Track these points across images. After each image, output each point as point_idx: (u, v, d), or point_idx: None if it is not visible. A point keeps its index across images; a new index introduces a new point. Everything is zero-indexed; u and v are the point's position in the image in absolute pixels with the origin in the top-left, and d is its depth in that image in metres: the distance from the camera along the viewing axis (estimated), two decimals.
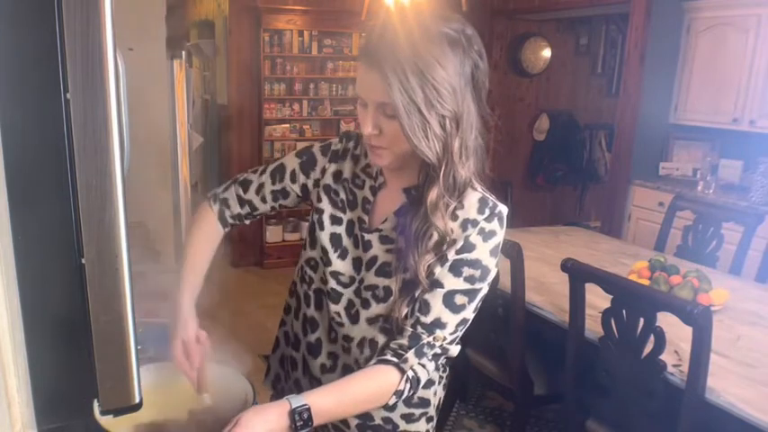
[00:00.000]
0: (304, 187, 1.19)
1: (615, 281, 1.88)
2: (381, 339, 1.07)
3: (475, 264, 1.01)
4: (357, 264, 1.09)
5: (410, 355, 1.00)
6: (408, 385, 1.00)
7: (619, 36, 5.79)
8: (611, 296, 1.84)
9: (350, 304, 1.10)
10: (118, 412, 0.74)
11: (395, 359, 1.00)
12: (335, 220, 1.13)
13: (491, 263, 1.02)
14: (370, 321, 1.08)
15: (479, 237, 1.01)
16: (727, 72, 3.99)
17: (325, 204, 1.14)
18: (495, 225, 1.02)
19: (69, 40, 0.62)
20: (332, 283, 1.11)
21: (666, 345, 1.71)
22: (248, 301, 4.29)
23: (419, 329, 1.00)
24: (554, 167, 5.92)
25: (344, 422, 1.16)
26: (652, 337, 1.74)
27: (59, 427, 0.80)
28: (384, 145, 1.00)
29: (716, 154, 4.41)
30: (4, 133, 0.68)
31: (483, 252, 1.01)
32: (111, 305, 0.69)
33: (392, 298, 1.03)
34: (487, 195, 1.04)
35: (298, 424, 0.90)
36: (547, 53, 5.79)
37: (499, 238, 1.02)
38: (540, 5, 5.15)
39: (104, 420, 0.86)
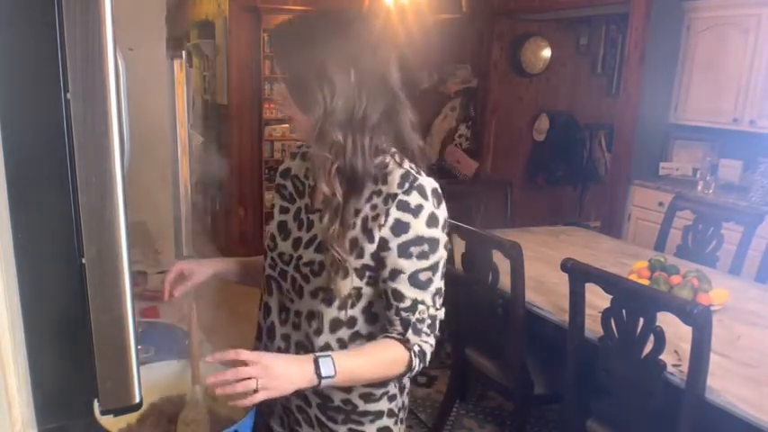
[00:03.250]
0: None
1: (615, 281, 1.88)
2: (324, 310, 1.14)
3: (418, 241, 1.07)
4: (296, 243, 1.18)
5: (410, 335, 1.07)
6: (417, 359, 1.07)
7: (619, 36, 5.79)
8: (611, 296, 1.84)
9: (293, 280, 1.17)
10: (118, 412, 0.74)
11: (398, 338, 1.07)
12: (283, 210, 1.24)
13: (434, 233, 1.08)
14: (313, 295, 1.14)
15: (407, 214, 1.07)
16: (727, 72, 3.98)
17: (276, 199, 1.27)
18: (416, 197, 1.07)
19: (69, 40, 0.62)
20: (280, 264, 1.20)
21: (666, 345, 1.71)
22: (248, 300, 4.29)
23: (403, 315, 1.08)
24: (554, 167, 5.92)
25: (307, 402, 1.21)
26: (652, 337, 1.73)
27: (59, 426, 0.80)
28: (290, 115, 1.10)
29: (716, 154, 4.41)
30: (4, 133, 0.68)
31: (418, 227, 1.07)
32: (111, 305, 0.69)
33: (325, 271, 1.10)
34: (412, 171, 1.09)
35: (323, 375, 0.98)
36: (547, 53, 5.79)
37: (429, 208, 1.07)
38: (540, 5, 5.15)
39: (104, 420, 0.86)
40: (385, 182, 1.09)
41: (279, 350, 1.22)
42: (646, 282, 2.32)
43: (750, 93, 3.86)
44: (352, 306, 1.14)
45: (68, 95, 0.64)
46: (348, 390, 1.17)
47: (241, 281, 1.39)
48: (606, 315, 1.86)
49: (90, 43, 0.63)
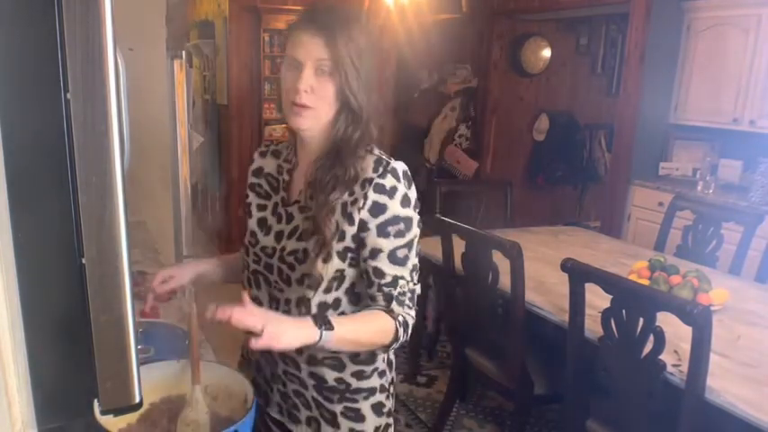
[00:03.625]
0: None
1: (615, 281, 1.88)
2: (311, 294, 1.19)
3: (394, 220, 1.15)
4: (279, 236, 1.23)
5: (394, 307, 1.15)
6: (402, 329, 1.14)
7: (619, 36, 5.79)
8: (611, 296, 1.84)
9: (279, 271, 1.22)
10: (118, 412, 0.74)
11: (383, 308, 1.15)
12: (261, 208, 1.29)
13: (408, 212, 1.16)
14: (299, 281, 1.19)
15: (383, 196, 1.14)
16: (727, 72, 3.98)
17: (252, 198, 1.31)
18: (390, 180, 1.14)
19: (69, 40, 0.62)
20: (264, 258, 1.25)
21: (666, 345, 1.71)
22: None
23: (385, 290, 1.16)
24: (554, 167, 5.92)
25: (304, 385, 1.26)
26: (652, 337, 1.73)
27: (59, 426, 0.80)
28: (311, 104, 1.13)
29: (716, 154, 4.41)
30: (4, 133, 0.68)
31: (394, 207, 1.15)
32: (111, 305, 0.69)
33: (309, 258, 1.17)
34: (383, 157, 1.18)
35: (323, 325, 1.05)
36: (547, 53, 5.79)
37: (403, 189, 1.15)
38: (540, 5, 5.15)
39: (104, 420, 0.86)
40: (361, 167, 1.16)
41: None
42: (646, 282, 2.32)
43: (750, 93, 3.86)
44: (337, 288, 1.20)
45: (68, 95, 0.64)
46: (340, 369, 1.24)
47: (224, 280, 1.42)
48: (606, 315, 1.86)
49: (90, 43, 0.62)
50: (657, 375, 1.74)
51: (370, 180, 1.14)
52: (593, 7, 4.92)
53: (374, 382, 1.27)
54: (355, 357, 1.24)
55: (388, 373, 1.31)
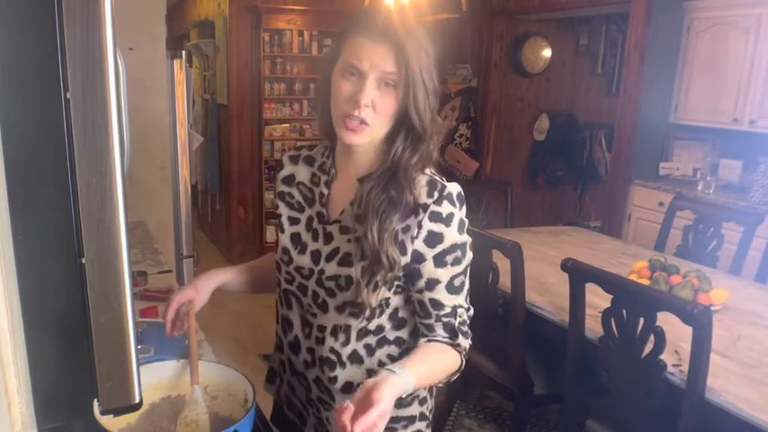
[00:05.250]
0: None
1: (615, 281, 1.88)
2: (353, 323, 1.12)
3: (452, 249, 1.07)
4: (316, 256, 1.14)
5: (460, 340, 1.10)
6: (464, 359, 1.12)
7: (619, 36, 5.79)
8: (612, 296, 1.84)
9: (315, 295, 1.14)
10: (118, 412, 0.74)
11: (449, 341, 1.10)
12: (293, 221, 1.18)
13: (464, 238, 1.09)
14: (339, 309, 1.11)
15: (440, 224, 1.05)
16: (727, 72, 3.98)
17: (282, 209, 1.21)
18: (447, 206, 1.06)
19: (69, 40, 0.62)
20: (298, 279, 1.16)
21: (666, 345, 1.71)
22: (248, 300, 4.29)
23: (444, 320, 1.09)
24: (554, 167, 5.92)
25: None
26: (652, 337, 1.73)
27: (59, 426, 0.80)
28: (371, 121, 1.03)
29: (716, 154, 4.41)
30: (4, 133, 0.68)
31: (451, 235, 1.06)
32: (110, 305, 0.69)
33: (353, 285, 1.08)
34: (436, 178, 1.09)
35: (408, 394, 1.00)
36: (547, 53, 5.79)
37: (458, 215, 1.07)
38: (540, 5, 5.15)
39: (104, 420, 0.86)
40: (414, 187, 1.06)
41: (305, 363, 1.20)
42: (646, 282, 2.32)
43: (750, 93, 3.86)
44: (380, 315, 1.12)
45: (68, 95, 0.64)
46: None
47: (245, 290, 1.34)
48: (606, 315, 1.86)
49: (90, 43, 0.62)
50: (658, 375, 1.74)
51: (425, 206, 1.05)
52: (593, 7, 4.92)
53: (414, 410, 1.20)
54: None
55: (428, 399, 1.24)
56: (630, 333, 1.79)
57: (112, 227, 0.67)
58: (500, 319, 2.34)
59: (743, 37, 3.87)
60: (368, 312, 1.10)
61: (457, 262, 1.08)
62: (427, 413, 1.24)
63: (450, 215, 1.06)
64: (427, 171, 1.09)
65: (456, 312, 1.10)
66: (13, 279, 0.71)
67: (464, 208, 1.09)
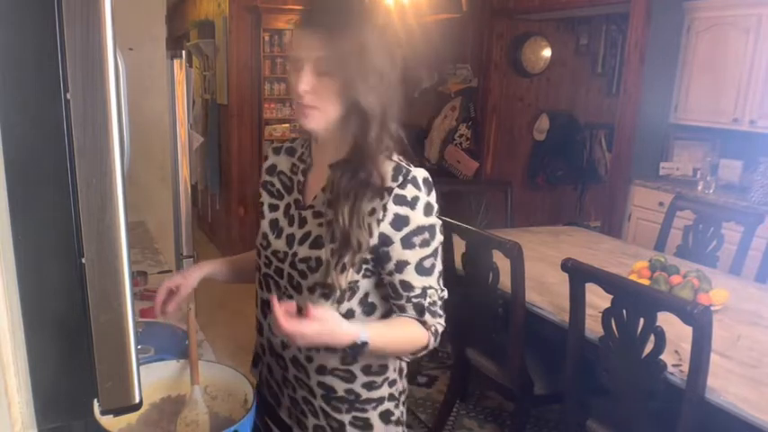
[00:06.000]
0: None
1: (615, 281, 1.88)
2: (324, 305, 1.15)
3: (418, 231, 1.11)
4: (290, 240, 1.19)
5: (427, 318, 1.13)
6: (433, 338, 1.14)
7: (619, 36, 5.79)
8: (612, 296, 1.84)
9: (290, 277, 1.19)
10: (118, 412, 0.74)
11: (416, 317, 1.13)
12: (273, 208, 1.25)
13: (431, 221, 1.12)
14: (311, 290, 1.16)
15: (404, 208, 1.09)
16: (727, 72, 3.98)
17: (265, 197, 1.28)
18: (411, 190, 1.10)
19: (69, 40, 0.62)
20: (275, 262, 1.21)
21: (666, 345, 1.71)
22: (247, 300, 4.29)
23: (414, 301, 1.13)
24: (554, 167, 5.92)
25: (312, 394, 1.23)
26: (652, 337, 1.73)
27: (59, 426, 0.80)
28: (315, 104, 1.08)
29: (716, 154, 4.41)
30: (4, 133, 0.68)
31: (416, 217, 1.10)
32: (110, 305, 0.69)
33: (323, 267, 1.12)
34: (402, 164, 1.12)
35: (352, 349, 1.05)
36: (547, 53, 5.79)
37: (424, 198, 1.11)
38: (540, 5, 5.15)
39: (104, 420, 0.86)
40: (377, 171, 1.10)
41: (282, 344, 1.25)
42: (646, 282, 2.32)
43: (750, 93, 3.86)
44: (350, 299, 1.16)
45: (68, 95, 0.64)
46: (350, 380, 1.21)
47: (231, 280, 1.40)
48: (606, 315, 1.86)
49: (90, 43, 0.62)
50: (658, 375, 1.74)
51: (390, 190, 1.09)
52: (593, 7, 4.92)
53: (383, 391, 1.25)
54: (367, 369, 1.21)
55: (398, 381, 1.28)
56: (630, 333, 1.79)
57: (112, 227, 0.67)
58: (500, 319, 2.34)
59: (743, 37, 3.87)
60: (338, 293, 1.14)
61: (425, 244, 1.11)
62: (396, 394, 1.28)
63: (416, 198, 1.10)
64: (394, 158, 1.13)
65: (426, 293, 1.13)
66: (13, 279, 0.71)
67: (432, 193, 1.12)
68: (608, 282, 1.87)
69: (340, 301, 1.15)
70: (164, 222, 2.75)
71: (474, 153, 5.82)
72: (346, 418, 1.23)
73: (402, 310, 1.14)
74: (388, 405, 1.26)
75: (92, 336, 0.69)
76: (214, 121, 5.69)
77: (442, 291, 1.16)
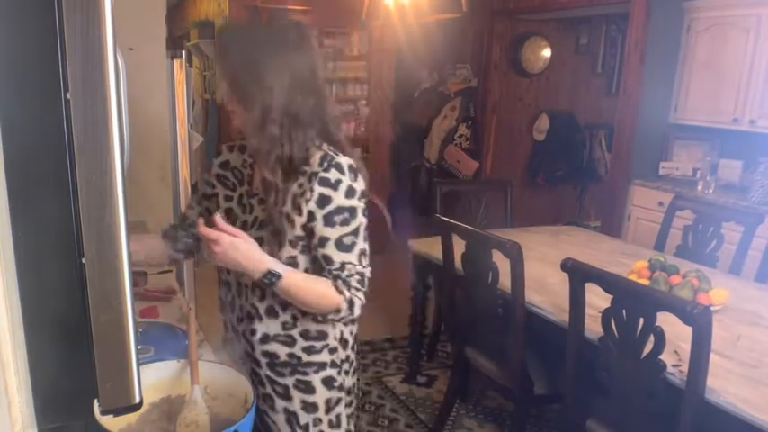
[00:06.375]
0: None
1: (615, 280, 1.88)
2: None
3: (339, 210, 1.25)
4: (243, 226, 1.34)
5: (340, 285, 1.26)
6: (346, 305, 1.26)
7: (619, 36, 5.79)
8: (611, 296, 1.84)
9: None
10: (118, 412, 0.74)
11: (333, 283, 1.26)
12: (227, 198, 1.41)
13: (352, 203, 1.26)
14: None
15: (328, 189, 1.24)
16: (727, 72, 3.98)
17: (219, 189, 1.43)
18: (334, 173, 1.25)
19: (69, 40, 0.62)
20: None
21: (666, 345, 1.71)
22: None
23: (334, 273, 1.26)
24: (554, 167, 5.92)
25: (258, 364, 1.39)
26: (652, 337, 1.73)
27: (59, 426, 0.80)
28: (232, 108, 1.27)
29: (716, 154, 4.41)
30: (4, 133, 0.68)
31: (338, 198, 1.24)
32: (110, 305, 0.69)
33: (265, 245, 1.27)
34: (330, 153, 1.28)
35: (267, 278, 1.21)
36: (547, 53, 5.79)
37: (347, 182, 1.25)
38: (540, 5, 5.15)
39: (104, 420, 0.86)
40: (308, 163, 1.26)
41: (238, 319, 1.42)
42: (646, 282, 2.32)
43: (750, 93, 3.86)
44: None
45: (68, 95, 0.64)
46: (291, 344, 1.36)
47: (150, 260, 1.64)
48: (606, 315, 1.86)
49: (90, 43, 0.62)
50: (657, 375, 1.74)
51: (315, 174, 1.24)
52: (593, 7, 4.92)
53: (324, 357, 1.38)
54: (306, 334, 1.35)
55: (340, 350, 1.41)
56: (630, 333, 1.79)
57: (112, 226, 0.67)
58: (500, 319, 2.34)
59: (743, 37, 3.87)
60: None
61: (345, 223, 1.25)
62: (338, 362, 1.41)
63: (338, 181, 1.24)
64: (324, 148, 1.28)
65: (344, 267, 1.26)
66: (13, 279, 0.72)
67: (357, 179, 1.27)
68: (608, 282, 1.87)
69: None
70: (164, 222, 2.75)
71: (474, 153, 5.82)
72: (290, 381, 1.37)
73: None
74: (330, 371, 1.39)
75: (92, 336, 0.69)
76: (214, 121, 5.69)
77: (364, 268, 1.29)
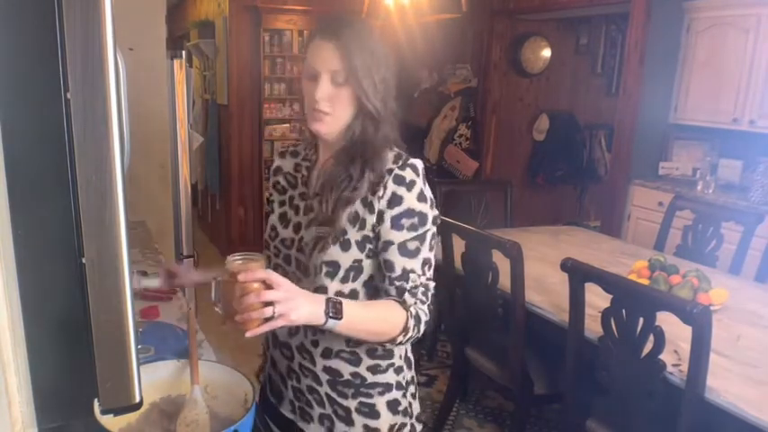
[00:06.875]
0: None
1: (615, 280, 1.88)
2: (329, 284, 1.19)
3: (408, 213, 1.16)
4: (297, 227, 1.26)
5: (407, 297, 1.16)
6: (413, 321, 1.14)
7: (619, 36, 5.79)
8: (611, 296, 1.84)
9: (297, 261, 1.25)
10: (118, 412, 0.74)
11: (397, 299, 1.15)
12: (281, 203, 1.33)
13: (423, 208, 1.17)
14: (316, 270, 1.20)
15: (402, 188, 1.16)
16: (727, 72, 3.98)
17: (275, 196, 1.36)
18: (409, 173, 1.17)
19: (69, 40, 0.62)
20: (283, 250, 1.28)
21: (666, 344, 1.71)
22: None
23: (396, 283, 1.16)
24: (554, 167, 5.92)
25: (318, 381, 1.26)
26: (652, 337, 1.74)
27: (59, 426, 0.80)
28: (329, 111, 1.18)
29: (716, 154, 4.41)
30: (4, 133, 0.68)
31: (410, 199, 1.16)
32: (111, 304, 0.69)
33: (328, 245, 1.18)
34: (402, 153, 1.22)
35: (331, 311, 1.05)
36: (547, 53, 5.79)
37: (419, 185, 1.18)
38: (540, 5, 5.15)
39: (104, 420, 0.86)
40: (380, 159, 1.19)
41: (289, 331, 1.28)
42: (646, 281, 2.32)
43: (750, 93, 3.86)
44: (354, 279, 1.20)
45: (68, 95, 0.64)
46: (356, 363, 1.24)
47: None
48: (606, 315, 1.86)
49: (90, 43, 0.62)
50: (657, 375, 1.74)
51: (390, 170, 1.17)
52: (593, 7, 4.92)
53: (389, 377, 1.26)
54: (372, 352, 1.24)
55: (405, 370, 1.30)
56: (630, 333, 1.79)
57: (112, 226, 0.67)
58: (500, 319, 2.34)
59: (742, 37, 3.87)
60: (341, 273, 1.18)
61: (413, 228, 1.16)
62: (403, 383, 1.29)
63: (413, 182, 1.17)
64: (395, 149, 1.22)
65: (408, 277, 1.16)
66: (14, 278, 0.72)
67: (426, 185, 1.19)
68: (607, 281, 1.87)
69: (344, 281, 1.19)
70: (164, 222, 2.75)
71: (474, 153, 5.82)
72: (353, 403, 1.25)
73: (386, 293, 1.17)
74: (395, 394, 1.27)
75: (92, 335, 0.69)
76: (214, 121, 5.69)
77: (428, 279, 1.19)
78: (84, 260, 0.68)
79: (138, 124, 0.96)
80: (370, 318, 1.13)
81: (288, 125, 5.23)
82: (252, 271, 1.01)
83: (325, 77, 1.16)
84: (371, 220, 1.16)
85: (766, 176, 3.71)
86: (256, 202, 5.31)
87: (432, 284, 1.20)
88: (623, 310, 1.81)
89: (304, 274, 1.22)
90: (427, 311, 1.18)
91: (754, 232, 2.86)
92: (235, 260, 1.06)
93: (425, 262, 1.18)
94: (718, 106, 4.05)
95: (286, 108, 5.21)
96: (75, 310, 0.72)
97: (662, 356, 1.73)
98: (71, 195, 0.69)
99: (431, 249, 1.19)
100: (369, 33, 1.19)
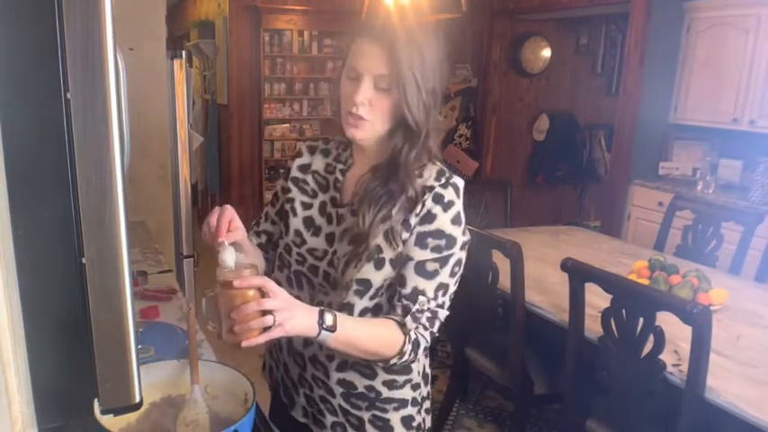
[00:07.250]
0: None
1: (615, 280, 1.88)
2: (357, 301, 1.15)
3: (437, 234, 1.10)
4: (330, 238, 1.19)
5: (408, 320, 1.09)
6: (410, 347, 1.09)
7: (619, 36, 5.79)
8: (611, 296, 1.84)
9: (326, 275, 1.19)
10: (118, 411, 0.74)
11: (397, 320, 1.09)
12: (306, 206, 1.23)
13: (455, 231, 1.11)
14: (347, 287, 1.16)
15: (438, 206, 1.10)
16: (727, 72, 3.98)
17: (295, 193, 1.25)
18: (450, 193, 1.11)
19: (69, 40, 0.62)
20: (309, 260, 1.21)
21: (666, 344, 1.71)
22: None
23: (404, 302, 1.10)
24: (554, 167, 5.92)
25: (331, 393, 1.22)
26: (652, 337, 1.74)
27: (59, 426, 0.80)
28: (368, 117, 1.10)
29: (716, 154, 4.41)
30: (4, 133, 0.68)
31: (443, 222, 1.10)
32: (111, 304, 0.69)
33: (361, 263, 1.12)
34: (446, 169, 1.15)
35: (325, 325, 1.00)
36: (547, 53, 5.79)
37: (458, 207, 1.11)
38: (540, 5, 5.15)
39: (104, 420, 0.86)
40: (421, 175, 1.12)
41: (303, 343, 1.24)
42: (646, 281, 2.32)
43: (750, 93, 3.86)
44: (382, 295, 1.15)
45: (68, 95, 0.64)
46: (371, 377, 1.20)
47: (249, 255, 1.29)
48: (606, 315, 1.86)
49: (90, 43, 0.62)
50: (657, 375, 1.74)
51: (431, 188, 1.10)
52: (593, 7, 4.92)
53: (406, 393, 1.23)
54: (389, 367, 1.16)
55: (422, 386, 1.26)
56: (630, 333, 1.79)
57: (113, 226, 0.67)
58: (500, 319, 2.34)
59: (742, 37, 3.87)
60: (372, 291, 1.13)
61: (437, 249, 1.10)
62: (419, 399, 1.26)
63: (451, 202, 1.10)
64: (438, 164, 1.15)
65: (417, 298, 1.09)
66: (14, 278, 0.72)
67: (462, 207, 1.12)
68: (607, 281, 1.87)
69: (372, 298, 1.15)
70: (164, 222, 2.75)
71: (474, 153, 5.83)
72: (366, 415, 1.22)
73: (393, 309, 1.12)
74: (411, 410, 1.24)
75: (92, 335, 0.69)
76: (214, 121, 5.69)
77: (439, 306, 1.12)
78: (84, 260, 0.68)
79: (138, 124, 0.96)
80: (366, 336, 1.07)
81: (288, 125, 5.23)
82: (246, 278, 0.96)
83: (367, 80, 1.08)
84: (406, 236, 1.11)
85: (766, 176, 3.71)
86: (256, 203, 5.32)
87: (442, 313, 1.13)
88: (623, 310, 1.81)
89: (332, 287, 1.17)
90: (429, 338, 1.12)
91: (754, 232, 2.86)
92: (227, 269, 1.01)
93: (441, 287, 1.11)
94: (718, 106, 4.05)
95: (286, 108, 5.22)
96: (75, 310, 0.72)
97: (662, 356, 1.73)
98: (71, 195, 0.69)
99: (451, 275, 1.12)
100: (425, 38, 1.09)
